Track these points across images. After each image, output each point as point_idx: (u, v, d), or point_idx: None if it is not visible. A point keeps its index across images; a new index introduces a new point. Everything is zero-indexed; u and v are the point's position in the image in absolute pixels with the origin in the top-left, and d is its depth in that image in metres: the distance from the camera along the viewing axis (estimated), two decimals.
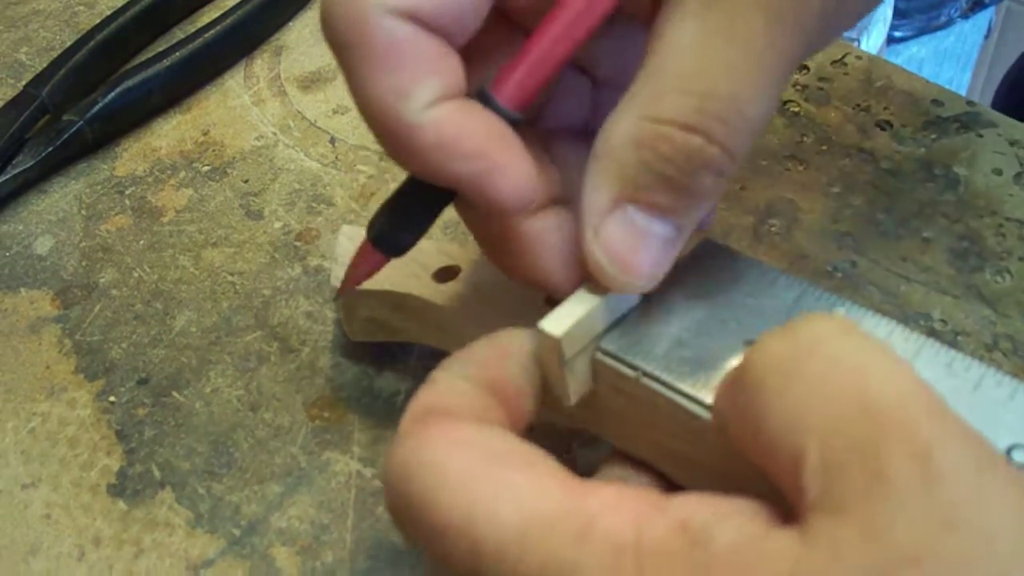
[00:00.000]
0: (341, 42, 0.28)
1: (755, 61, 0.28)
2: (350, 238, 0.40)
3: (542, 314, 0.31)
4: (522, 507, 0.24)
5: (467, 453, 0.26)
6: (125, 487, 0.38)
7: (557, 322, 0.29)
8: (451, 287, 0.37)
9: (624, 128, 0.28)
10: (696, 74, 0.28)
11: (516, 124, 0.30)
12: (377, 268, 0.33)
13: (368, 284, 0.38)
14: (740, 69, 0.27)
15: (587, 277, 0.30)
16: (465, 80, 0.29)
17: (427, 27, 0.28)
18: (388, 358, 0.41)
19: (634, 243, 0.29)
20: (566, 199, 0.32)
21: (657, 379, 0.29)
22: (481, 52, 0.31)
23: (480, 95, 0.30)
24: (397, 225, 0.31)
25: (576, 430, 0.38)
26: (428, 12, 0.28)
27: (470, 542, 0.24)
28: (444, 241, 0.44)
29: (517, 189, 0.29)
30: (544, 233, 0.31)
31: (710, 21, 0.28)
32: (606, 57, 0.34)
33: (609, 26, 0.31)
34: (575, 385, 0.30)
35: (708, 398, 0.28)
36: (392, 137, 0.28)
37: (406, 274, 0.34)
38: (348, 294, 0.38)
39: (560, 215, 0.32)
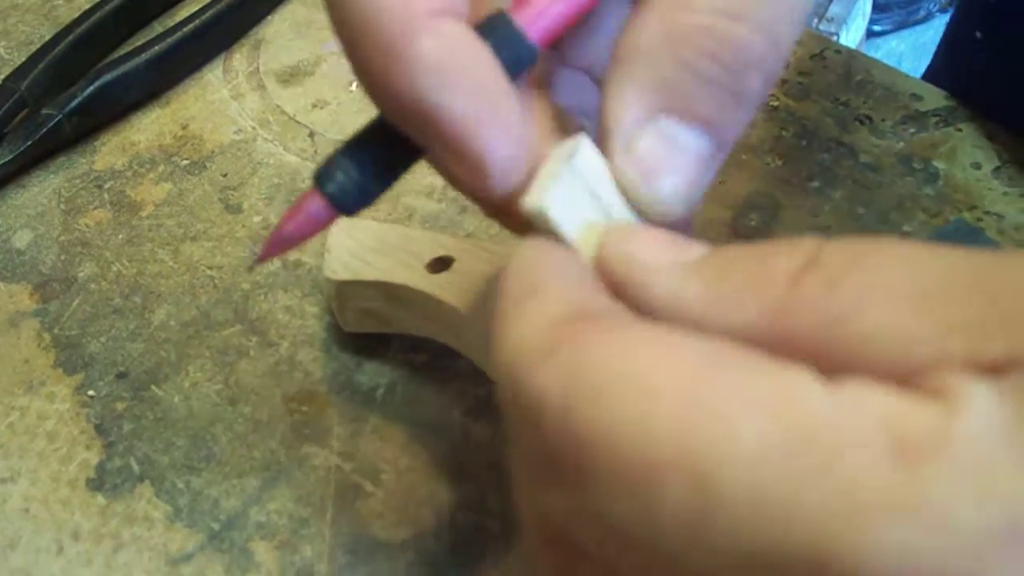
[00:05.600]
0: None
1: None
2: (343, 228, 0.40)
3: None
4: (770, 421, 0.17)
5: (681, 358, 0.19)
6: (104, 481, 0.38)
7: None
8: (445, 277, 0.37)
9: (654, 26, 0.24)
10: None
11: (531, 62, 0.25)
12: (321, 227, 0.27)
13: (362, 275, 0.38)
14: None
15: None
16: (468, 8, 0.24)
17: None
18: (367, 352, 0.41)
19: (670, 160, 0.24)
20: None
21: None
22: None
23: (494, 19, 0.25)
24: (357, 179, 0.26)
25: None
26: None
27: (692, 478, 0.17)
28: (437, 231, 0.44)
29: (507, 153, 0.24)
30: None
31: None
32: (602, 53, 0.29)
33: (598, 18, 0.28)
34: None
35: None
36: (382, 48, 0.22)
37: (400, 265, 0.35)
38: (340, 284, 0.38)
39: None
